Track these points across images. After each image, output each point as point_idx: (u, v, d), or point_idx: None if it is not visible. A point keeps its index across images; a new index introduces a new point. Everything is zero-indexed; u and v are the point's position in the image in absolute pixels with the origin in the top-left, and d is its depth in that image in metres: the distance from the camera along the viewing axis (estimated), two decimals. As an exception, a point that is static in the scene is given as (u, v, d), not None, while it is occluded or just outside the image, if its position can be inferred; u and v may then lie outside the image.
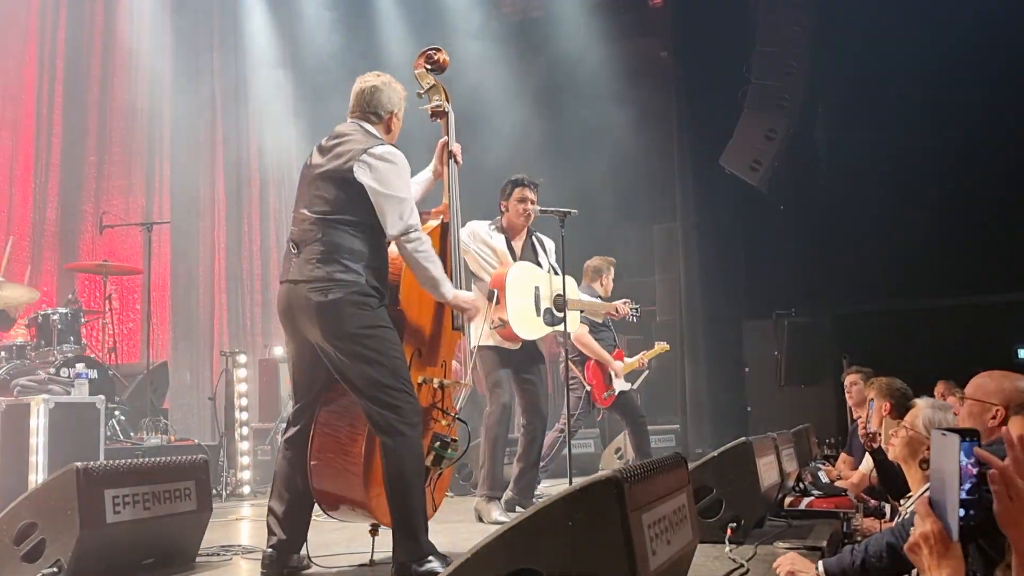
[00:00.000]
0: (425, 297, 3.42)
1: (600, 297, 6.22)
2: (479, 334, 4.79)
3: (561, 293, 4.98)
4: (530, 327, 4.79)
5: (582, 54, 11.10)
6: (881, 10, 8.72)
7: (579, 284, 5.81)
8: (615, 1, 12.02)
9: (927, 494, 1.66)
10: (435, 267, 3.29)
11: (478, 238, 4.83)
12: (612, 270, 6.38)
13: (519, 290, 4.74)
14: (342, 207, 3.15)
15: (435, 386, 3.47)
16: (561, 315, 4.99)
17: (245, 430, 6.77)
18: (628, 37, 11.85)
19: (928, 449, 2.84)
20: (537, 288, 4.88)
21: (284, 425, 3.48)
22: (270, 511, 3.28)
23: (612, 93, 10.66)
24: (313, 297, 3.10)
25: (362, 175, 3.14)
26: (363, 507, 3.27)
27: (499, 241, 4.89)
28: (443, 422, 3.49)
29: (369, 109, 3.36)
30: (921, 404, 3.11)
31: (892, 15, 8.62)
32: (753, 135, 9.03)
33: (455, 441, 3.50)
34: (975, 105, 8.36)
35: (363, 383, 3.09)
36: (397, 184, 3.21)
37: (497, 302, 4.64)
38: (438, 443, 3.40)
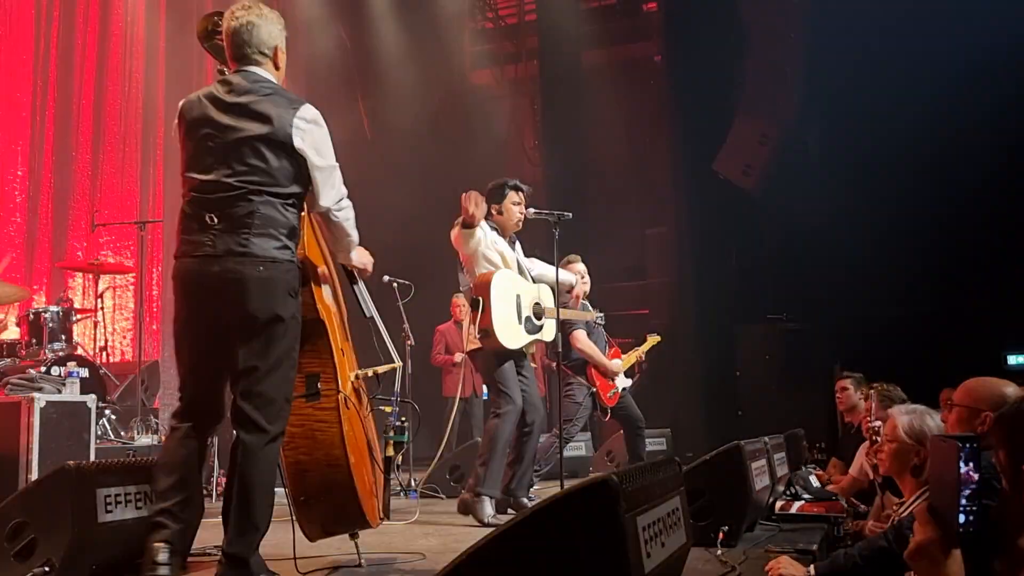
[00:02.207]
0: (324, 296, 3.26)
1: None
2: (467, 339, 4.82)
3: (539, 301, 5.01)
4: (513, 336, 4.81)
5: (575, 58, 11.13)
6: (874, 16, 8.76)
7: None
8: (608, 6, 12.07)
9: (927, 501, 1.67)
10: (356, 234, 3.19)
11: (488, 241, 4.82)
12: (580, 280, 6.28)
13: (502, 297, 4.75)
14: (274, 178, 2.89)
15: (369, 375, 3.43)
16: (540, 323, 5.01)
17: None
18: (621, 42, 11.91)
19: (917, 455, 2.86)
20: (519, 296, 4.89)
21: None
22: (163, 512, 2.86)
23: (605, 97, 10.69)
24: (246, 271, 2.83)
25: (301, 144, 2.91)
26: (358, 515, 3.20)
27: (493, 238, 4.92)
28: (387, 409, 3.47)
29: (253, 50, 3.02)
30: (895, 413, 3.11)
31: (885, 21, 8.67)
32: (746, 140, 9.07)
33: (404, 422, 3.45)
34: (970, 110, 8.40)
35: (256, 372, 2.85)
36: (331, 151, 3.04)
37: (483, 310, 4.65)
38: (392, 432, 3.38)
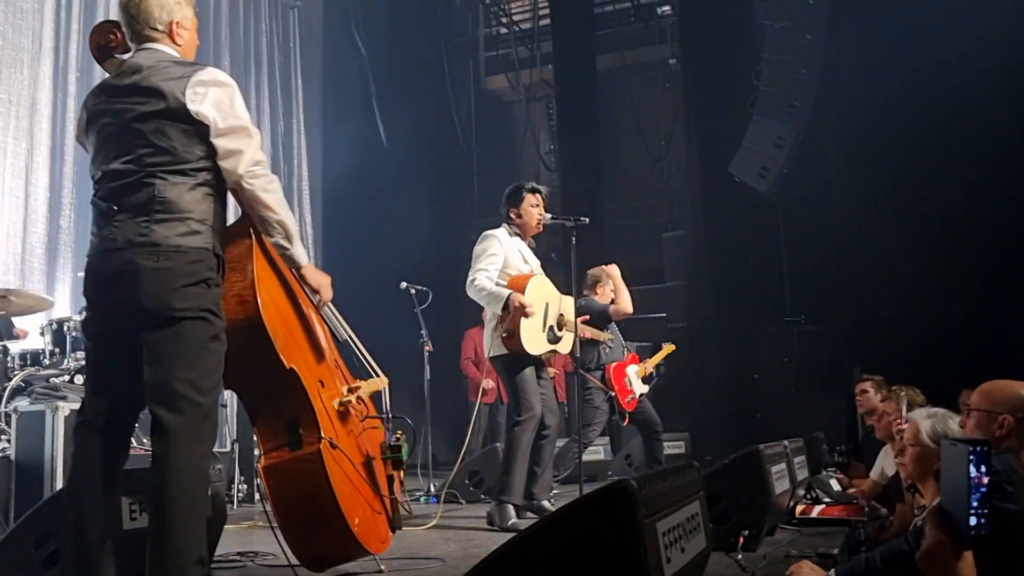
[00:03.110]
0: (293, 327, 3.10)
1: (598, 306, 6.25)
2: (492, 344, 4.83)
3: (563, 313, 5.03)
4: (536, 342, 4.83)
5: (590, 62, 11.15)
6: (892, 16, 8.72)
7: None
8: (623, 9, 12.09)
9: (938, 503, 1.68)
10: (289, 214, 2.82)
11: (501, 248, 4.84)
12: (608, 279, 6.36)
13: (533, 303, 4.77)
14: (176, 155, 2.63)
15: (354, 400, 3.28)
16: (560, 335, 5.03)
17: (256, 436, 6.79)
18: (636, 45, 11.92)
19: (939, 459, 2.84)
20: (547, 305, 4.92)
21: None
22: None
23: (620, 101, 10.70)
24: (140, 263, 2.56)
25: (197, 107, 2.61)
26: (359, 550, 3.16)
27: (517, 245, 4.94)
28: (379, 428, 3.41)
29: (141, 26, 2.77)
30: (917, 417, 3.10)
31: (903, 21, 8.62)
32: (762, 142, 9.04)
33: (400, 438, 3.38)
34: (990, 107, 8.34)
35: (162, 378, 2.57)
36: (239, 112, 2.71)
37: (513, 311, 4.66)
38: (389, 448, 3.33)
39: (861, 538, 3.95)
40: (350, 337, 3.36)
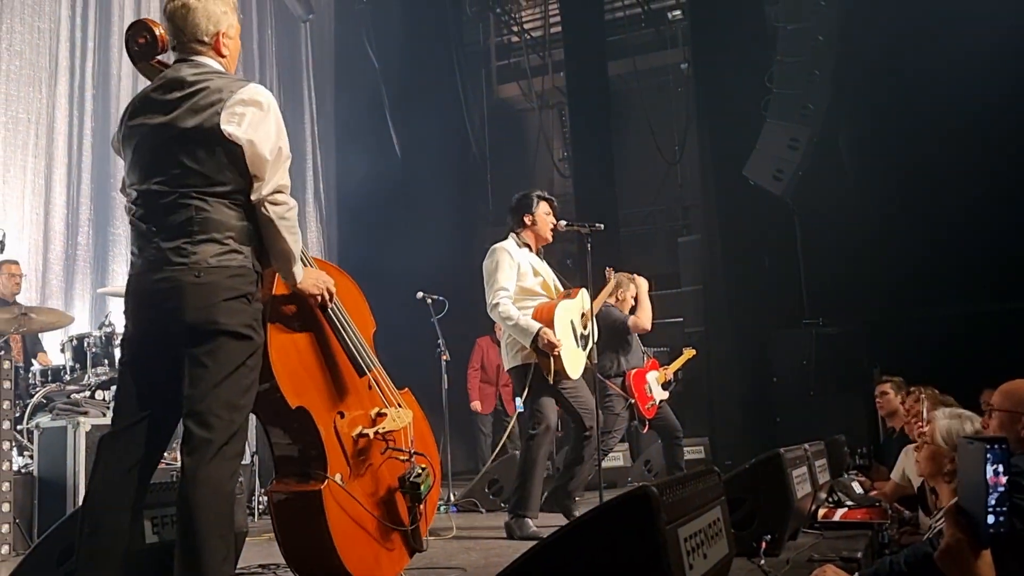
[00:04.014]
0: (308, 363, 3.06)
1: (619, 316, 6.26)
2: (508, 355, 4.82)
3: (584, 312, 5.02)
4: (578, 364, 4.85)
5: (602, 68, 11.16)
6: (904, 16, 8.69)
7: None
8: (634, 15, 12.09)
9: (955, 502, 1.67)
10: (297, 240, 2.76)
11: (513, 263, 4.82)
12: (632, 287, 6.38)
13: (564, 334, 4.75)
14: (211, 176, 2.60)
15: (371, 436, 3.20)
16: (587, 332, 5.01)
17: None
18: (648, 50, 11.92)
19: (951, 462, 2.82)
20: (572, 322, 4.91)
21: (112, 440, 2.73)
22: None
23: (633, 107, 10.70)
24: (183, 278, 2.55)
25: (232, 128, 2.57)
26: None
27: (527, 258, 4.91)
28: (401, 459, 3.34)
29: (188, 37, 2.73)
30: (938, 415, 3.08)
31: (916, 21, 8.59)
32: (776, 145, 9.01)
33: (423, 471, 3.31)
34: (1005, 104, 8.29)
35: (199, 387, 2.57)
36: (275, 134, 2.66)
37: (554, 357, 4.63)
38: (407, 484, 3.27)
39: (884, 541, 3.91)
40: (369, 370, 3.25)
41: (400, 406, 3.38)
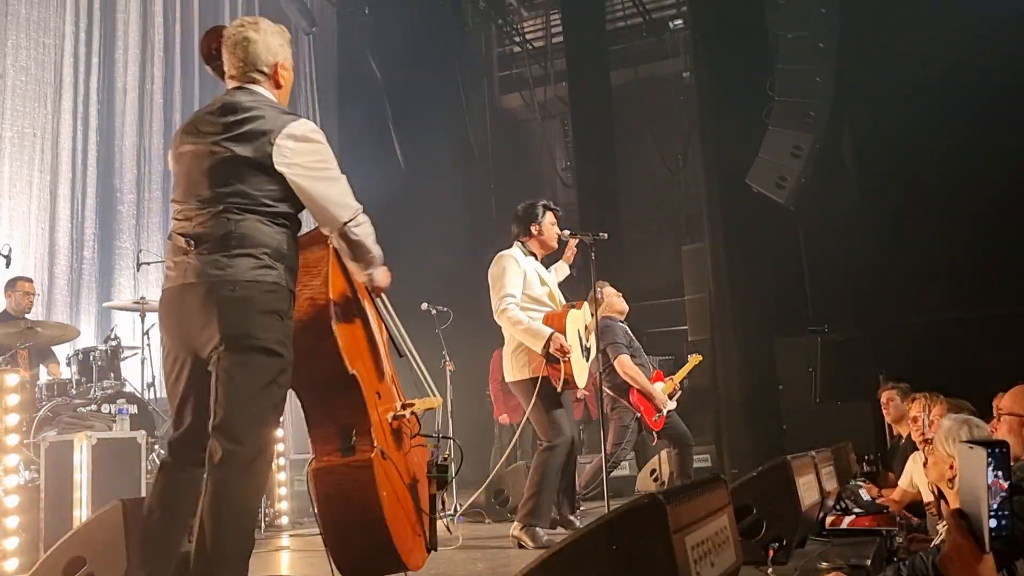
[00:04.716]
0: (356, 342, 3.15)
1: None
2: (512, 368, 4.82)
3: (586, 324, 5.03)
4: (584, 373, 4.86)
5: (604, 78, 11.18)
6: (906, 23, 8.70)
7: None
8: (635, 25, 12.13)
9: (958, 507, 1.67)
10: (378, 247, 2.94)
11: (520, 270, 4.83)
12: (601, 291, 6.29)
13: (573, 341, 4.77)
14: (256, 197, 2.69)
15: (407, 416, 3.29)
16: (589, 344, 5.02)
17: (283, 460, 6.82)
18: (649, 60, 11.95)
19: (952, 468, 2.81)
20: (578, 331, 4.92)
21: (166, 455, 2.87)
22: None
23: (635, 116, 10.71)
24: (219, 292, 2.62)
25: (285, 163, 2.69)
26: (398, 563, 3.14)
27: (533, 266, 4.93)
28: (428, 447, 3.41)
29: (249, 67, 2.83)
30: (944, 422, 3.07)
31: (917, 27, 8.60)
32: (778, 152, 9.01)
33: (447, 458, 3.39)
34: (1009, 110, 8.30)
35: (224, 405, 2.61)
36: (329, 165, 2.79)
37: (563, 365, 4.64)
38: (435, 467, 3.32)
39: (893, 548, 3.89)
40: (411, 353, 3.38)
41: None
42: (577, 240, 5.23)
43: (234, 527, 2.57)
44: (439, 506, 3.52)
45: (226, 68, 2.89)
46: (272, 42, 2.88)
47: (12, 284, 6.55)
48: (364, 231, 2.85)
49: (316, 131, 2.79)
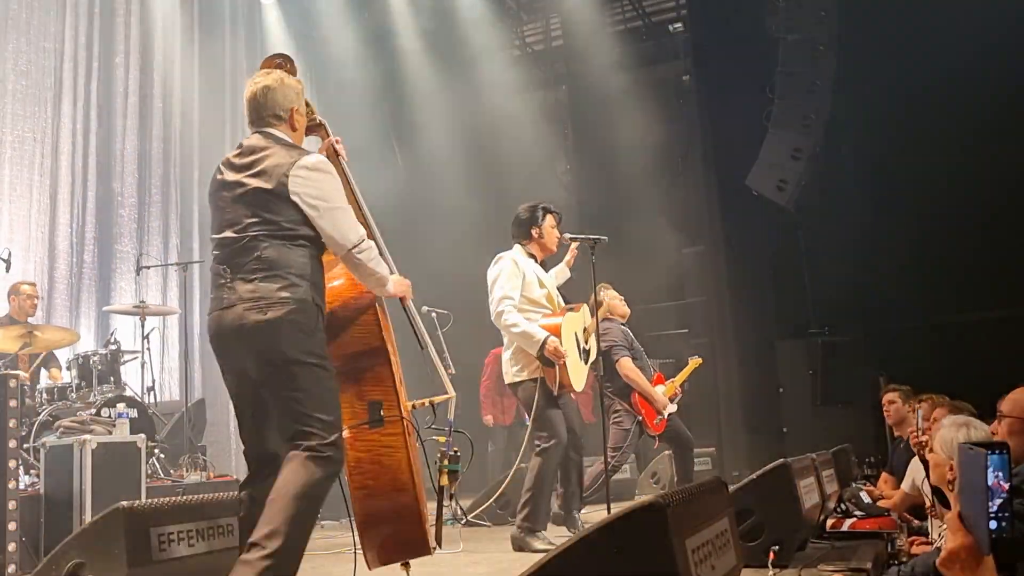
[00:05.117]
0: (386, 324, 3.36)
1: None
2: (511, 369, 4.81)
3: (585, 327, 5.02)
4: (581, 376, 4.85)
5: (604, 81, 11.17)
6: (906, 25, 8.70)
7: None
8: (635, 28, 12.12)
9: (958, 509, 1.66)
10: (383, 267, 3.21)
11: (519, 272, 4.83)
12: (604, 293, 6.28)
13: (569, 348, 4.76)
14: (279, 224, 2.99)
15: (425, 404, 3.45)
16: (588, 346, 5.01)
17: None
18: (649, 63, 11.93)
19: (951, 470, 2.81)
20: (576, 335, 4.91)
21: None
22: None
23: (635, 119, 10.70)
24: (249, 316, 2.90)
25: (298, 194, 2.98)
26: (421, 540, 3.23)
27: (532, 268, 4.92)
28: (440, 439, 3.47)
29: (267, 112, 3.17)
30: (943, 423, 3.07)
31: (916, 30, 8.61)
32: (779, 155, 9.02)
33: (457, 452, 3.47)
34: (1008, 112, 8.31)
35: (285, 408, 2.91)
36: (336, 195, 3.09)
37: (558, 368, 4.64)
38: (447, 460, 3.38)
39: (894, 551, 3.89)
40: (430, 347, 3.56)
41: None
42: (577, 243, 5.22)
43: (301, 496, 2.79)
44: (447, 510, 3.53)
45: (247, 116, 3.21)
46: (290, 92, 3.20)
47: (15, 288, 6.56)
48: (367, 256, 3.10)
49: (326, 163, 3.10)
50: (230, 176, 3.09)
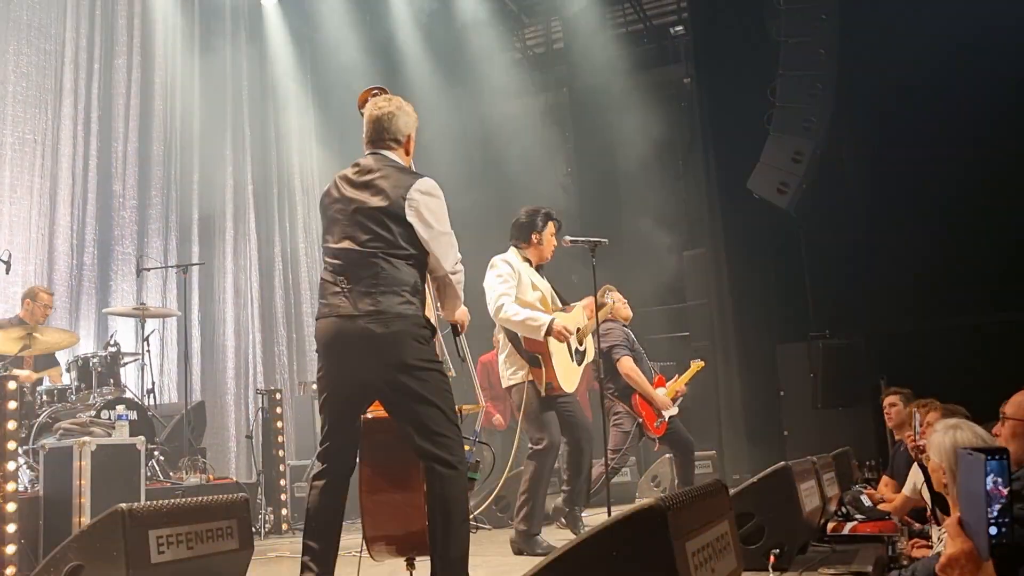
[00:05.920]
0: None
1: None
2: (504, 373, 4.80)
3: (580, 327, 5.01)
4: (572, 378, 4.83)
5: (605, 84, 11.18)
6: (906, 28, 8.70)
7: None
8: (636, 31, 12.14)
9: (957, 514, 1.65)
10: (463, 292, 3.44)
11: (515, 273, 4.82)
12: (609, 295, 6.28)
13: (559, 349, 4.74)
14: (394, 242, 3.19)
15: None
16: (583, 348, 5.00)
17: (283, 467, 6.81)
18: (650, 66, 11.94)
19: (945, 474, 2.80)
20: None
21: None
22: (307, 548, 3.23)
23: (636, 122, 10.70)
24: (374, 329, 3.11)
25: (414, 215, 3.19)
26: (422, 540, 3.25)
27: (527, 271, 4.91)
28: (466, 448, 3.49)
29: (389, 136, 3.40)
30: (937, 428, 3.05)
31: (917, 32, 8.60)
32: (779, 158, 9.00)
33: (478, 462, 3.55)
34: (1011, 114, 8.30)
35: (417, 418, 3.11)
36: (445, 219, 3.30)
37: (545, 367, 4.64)
38: (468, 468, 3.39)
39: (894, 554, 3.88)
40: (469, 360, 3.79)
41: None
42: (578, 245, 5.21)
43: (460, 506, 3.12)
44: None
45: (365, 134, 3.42)
46: (409, 120, 3.45)
47: (34, 293, 6.55)
48: (458, 279, 3.36)
49: (438, 188, 3.30)
50: (348, 191, 3.29)
